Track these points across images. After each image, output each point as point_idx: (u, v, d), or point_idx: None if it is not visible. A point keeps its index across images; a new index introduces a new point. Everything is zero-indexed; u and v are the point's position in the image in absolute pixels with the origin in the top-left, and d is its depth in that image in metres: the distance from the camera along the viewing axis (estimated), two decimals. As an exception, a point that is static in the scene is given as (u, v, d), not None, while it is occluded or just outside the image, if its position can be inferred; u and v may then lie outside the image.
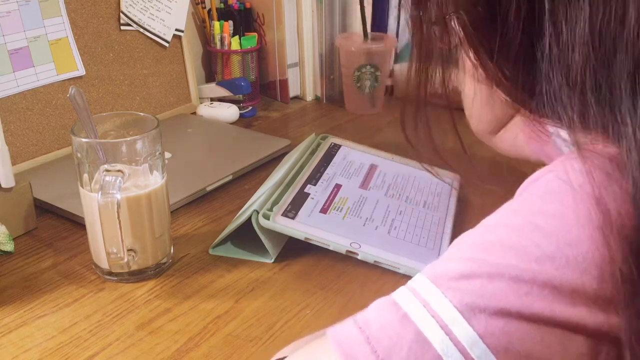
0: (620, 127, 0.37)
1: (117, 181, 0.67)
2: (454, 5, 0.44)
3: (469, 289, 0.36)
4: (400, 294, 0.39)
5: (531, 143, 0.54)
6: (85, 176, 0.71)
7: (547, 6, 0.39)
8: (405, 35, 1.43)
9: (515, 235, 0.38)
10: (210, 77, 1.33)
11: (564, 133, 0.41)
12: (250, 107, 1.26)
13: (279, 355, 0.53)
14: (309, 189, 0.85)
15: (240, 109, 1.23)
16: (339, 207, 0.83)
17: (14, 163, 0.83)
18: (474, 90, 0.53)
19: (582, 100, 0.38)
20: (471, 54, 0.45)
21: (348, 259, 0.75)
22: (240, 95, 1.25)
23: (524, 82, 0.42)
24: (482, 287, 0.36)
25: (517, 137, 0.57)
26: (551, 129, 0.45)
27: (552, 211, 0.37)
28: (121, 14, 1.11)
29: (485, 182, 0.66)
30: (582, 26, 0.38)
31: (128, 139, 0.70)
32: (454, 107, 0.52)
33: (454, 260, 0.39)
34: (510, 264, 0.36)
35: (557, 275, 0.36)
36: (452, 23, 0.45)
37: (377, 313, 0.39)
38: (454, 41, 0.46)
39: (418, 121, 0.52)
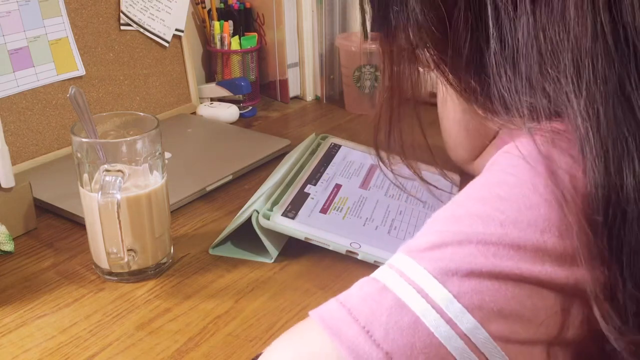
0: (567, 107, 0.40)
1: (117, 181, 0.67)
2: (418, 36, 0.48)
3: (441, 256, 0.39)
4: (379, 270, 0.42)
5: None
6: (85, 176, 0.71)
7: (490, 14, 0.43)
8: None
9: (481, 205, 0.41)
10: (210, 77, 1.33)
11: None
12: (250, 107, 1.26)
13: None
14: (309, 189, 0.85)
15: (240, 109, 1.23)
16: (339, 207, 0.83)
17: (14, 163, 0.83)
18: (451, 122, 0.59)
19: (531, 94, 0.42)
20: (435, 70, 0.49)
21: (348, 259, 0.75)
22: (240, 95, 1.25)
23: (481, 88, 0.46)
24: (453, 253, 0.39)
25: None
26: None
27: (511, 181, 0.41)
28: (121, 14, 1.11)
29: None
30: (525, 28, 0.42)
31: (128, 139, 0.70)
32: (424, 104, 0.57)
33: (425, 234, 0.42)
34: (477, 231, 0.39)
35: (520, 236, 0.38)
36: (419, 51, 0.50)
37: (357, 289, 0.42)
38: (421, 64, 0.51)
39: (391, 133, 0.58)
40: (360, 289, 0.41)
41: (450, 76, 0.48)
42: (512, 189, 0.41)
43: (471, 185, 0.44)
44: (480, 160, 0.66)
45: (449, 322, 0.37)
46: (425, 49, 0.49)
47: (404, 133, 0.58)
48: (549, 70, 0.41)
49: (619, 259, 0.37)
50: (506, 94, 0.43)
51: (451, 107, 0.60)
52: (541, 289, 0.38)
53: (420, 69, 0.52)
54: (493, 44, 0.43)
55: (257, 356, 0.47)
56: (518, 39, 0.42)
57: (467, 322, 0.37)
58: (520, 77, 0.42)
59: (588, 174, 0.38)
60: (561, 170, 0.39)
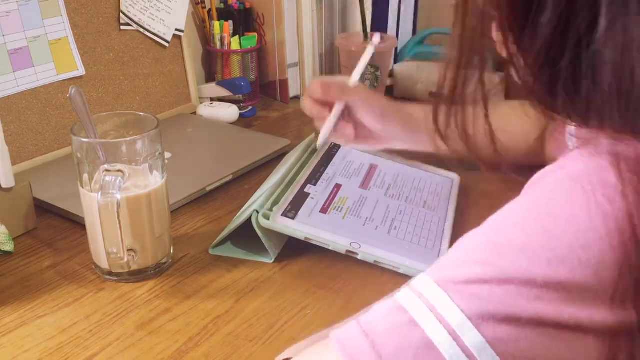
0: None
1: (117, 181, 0.67)
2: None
3: (477, 294, 0.36)
4: (406, 298, 0.38)
5: (557, 148, 0.54)
6: (85, 176, 0.71)
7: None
8: (406, 35, 1.43)
9: (525, 237, 0.37)
10: (210, 77, 1.33)
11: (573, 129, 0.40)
12: (250, 107, 1.26)
13: (281, 357, 0.53)
14: (309, 189, 0.85)
15: (240, 109, 1.23)
16: (339, 207, 0.83)
17: (14, 163, 0.83)
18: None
19: (617, 106, 0.37)
20: (501, 39, 0.42)
21: (348, 259, 0.75)
22: (240, 95, 1.25)
23: (549, 78, 0.40)
24: (491, 292, 0.36)
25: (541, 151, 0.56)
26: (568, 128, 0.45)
27: (563, 212, 0.37)
28: (121, 14, 1.11)
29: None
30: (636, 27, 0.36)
31: (128, 139, 0.70)
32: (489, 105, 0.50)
33: (460, 263, 0.38)
34: (520, 267, 0.36)
35: (569, 278, 0.35)
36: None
37: (382, 317, 0.38)
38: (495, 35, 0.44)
39: (451, 118, 0.50)
40: (385, 318, 0.38)
41: (517, 53, 0.41)
42: (563, 221, 0.36)
43: (516, 207, 0.40)
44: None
45: None
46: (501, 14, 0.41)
47: (467, 113, 0.50)
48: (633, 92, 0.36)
49: None
50: (601, 103, 0.38)
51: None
52: (581, 335, 0.36)
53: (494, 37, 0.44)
54: (597, 36, 0.37)
55: None
56: (630, 40, 0.36)
57: None
58: (609, 88, 0.37)
59: None
60: (627, 203, 0.35)
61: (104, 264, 0.72)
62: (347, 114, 0.83)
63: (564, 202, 0.37)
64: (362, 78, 0.88)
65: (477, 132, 0.50)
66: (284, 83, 1.33)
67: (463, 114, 0.49)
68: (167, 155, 0.95)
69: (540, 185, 0.40)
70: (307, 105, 0.84)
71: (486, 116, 0.49)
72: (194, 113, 1.23)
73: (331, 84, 0.82)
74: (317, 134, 1.03)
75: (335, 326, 0.52)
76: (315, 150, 0.96)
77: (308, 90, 0.85)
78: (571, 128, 0.44)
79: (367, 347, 0.37)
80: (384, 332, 0.37)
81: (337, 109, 0.82)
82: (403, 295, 0.39)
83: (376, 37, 0.88)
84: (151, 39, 1.17)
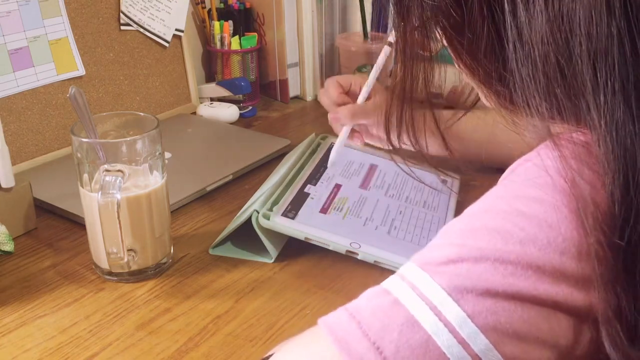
0: (588, 119, 0.38)
1: (117, 181, 0.67)
2: (433, 13, 0.45)
3: (456, 272, 0.38)
4: (390, 281, 0.41)
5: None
6: (85, 176, 0.71)
7: (506, 4, 0.40)
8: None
9: (500, 219, 0.39)
10: (210, 77, 1.33)
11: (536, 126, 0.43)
12: (250, 107, 1.26)
13: (270, 352, 0.53)
14: (309, 189, 0.85)
15: (240, 109, 1.23)
16: (339, 207, 0.83)
17: (14, 163, 0.83)
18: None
19: (549, 92, 0.40)
20: (452, 54, 0.47)
21: (348, 259, 0.75)
22: (240, 95, 1.25)
23: (498, 77, 0.43)
24: (469, 270, 0.38)
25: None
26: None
27: (532, 195, 0.39)
28: (121, 14, 1.11)
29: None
30: (540, 19, 0.39)
31: (128, 139, 0.70)
32: (442, 106, 0.55)
33: (440, 247, 0.41)
34: (495, 247, 0.38)
35: (539, 256, 0.37)
36: (432, 29, 0.47)
37: (367, 300, 0.40)
38: (434, 46, 0.48)
39: (402, 123, 0.55)
40: (371, 300, 0.40)
41: (468, 60, 0.45)
42: (533, 203, 0.39)
43: (490, 196, 0.42)
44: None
45: (462, 342, 0.37)
46: (441, 31, 0.46)
47: (417, 126, 0.55)
48: (567, 74, 0.38)
49: (635, 282, 0.36)
50: (523, 92, 0.41)
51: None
52: (557, 312, 0.37)
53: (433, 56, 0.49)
54: (510, 34, 0.40)
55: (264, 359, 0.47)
56: (534, 33, 0.39)
57: (480, 343, 0.36)
58: (538, 76, 0.40)
59: (607, 191, 0.37)
60: (583, 186, 0.38)
61: (104, 264, 0.72)
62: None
63: (532, 186, 0.40)
64: (379, 79, 0.90)
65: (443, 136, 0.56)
66: (284, 83, 1.33)
67: (413, 120, 0.54)
68: (167, 155, 0.95)
69: (512, 175, 0.42)
70: (324, 103, 0.95)
71: (433, 117, 0.54)
72: (194, 113, 1.23)
73: (345, 106, 0.90)
74: (317, 134, 1.03)
75: None
76: (315, 151, 0.96)
77: (326, 90, 0.94)
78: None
79: (355, 328, 0.39)
80: (370, 313, 0.39)
81: (346, 130, 0.89)
82: (388, 280, 0.41)
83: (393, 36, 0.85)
84: (151, 39, 1.17)
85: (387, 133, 0.58)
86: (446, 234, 0.42)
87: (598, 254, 0.36)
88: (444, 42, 0.47)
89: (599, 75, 0.37)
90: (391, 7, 0.50)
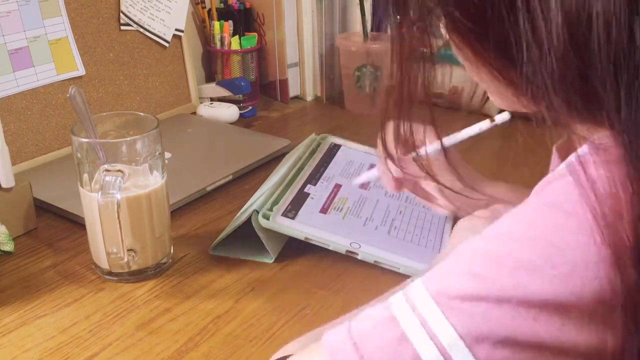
0: (607, 120, 0.34)
1: (117, 181, 0.67)
2: (441, 2, 0.41)
3: (472, 312, 0.34)
4: (399, 308, 0.37)
5: None
6: (85, 176, 0.71)
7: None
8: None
9: (528, 250, 0.35)
10: (210, 77, 1.33)
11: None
12: (250, 107, 1.26)
13: (278, 354, 0.53)
14: (309, 189, 0.85)
15: (240, 109, 1.23)
16: (339, 207, 0.83)
17: (14, 163, 0.83)
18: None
19: (567, 95, 0.36)
20: (457, 49, 0.43)
21: (348, 259, 0.75)
22: (240, 95, 1.25)
23: (512, 75, 0.39)
24: (487, 312, 0.34)
25: None
26: None
27: (571, 226, 0.34)
28: (121, 14, 1.11)
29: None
30: (556, 17, 0.35)
31: (128, 139, 0.70)
32: (446, 105, 0.51)
33: (458, 274, 0.37)
34: (519, 284, 0.34)
35: (569, 299, 0.33)
36: (434, 23, 0.43)
37: (373, 328, 0.37)
38: (435, 43, 0.44)
39: (400, 130, 0.50)
40: (376, 330, 0.37)
41: (476, 56, 0.41)
42: (571, 236, 0.34)
43: (520, 215, 0.37)
44: None
45: None
46: (449, 21, 0.41)
47: (415, 132, 0.50)
48: (585, 72, 0.35)
49: None
50: (540, 93, 0.37)
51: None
52: (577, 357, 0.34)
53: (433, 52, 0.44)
54: (522, 24, 0.36)
55: None
56: (550, 31, 0.35)
57: None
58: (555, 77, 0.36)
59: (632, 207, 0.33)
60: (611, 210, 0.33)
61: (104, 264, 0.72)
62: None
63: (570, 214, 0.35)
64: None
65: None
66: (284, 83, 1.33)
67: (410, 129, 0.49)
68: (167, 155, 0.95)
69: (546, 192, 0.37)
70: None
71: (436, 130, 0.50)
72: (194, 113, 1.23)
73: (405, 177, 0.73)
74: (317, 134, 1.03)
75: (331, 323, 0.52)
76: (315, 151, 0.96)
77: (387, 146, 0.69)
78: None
79: None
80: (375, 347, 0.36)
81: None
82: (396, 304, 0.38)
83: (503, 116, 0.66)
84: (151, 39, 1.17)
85: (383, 142, 0.54)
86: (466, 256, 0.37)
87: (619, 295, 0.33)
88: (449, 36, 0.42)
89: (619, 80, 0.33)
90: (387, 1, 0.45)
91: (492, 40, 0.39)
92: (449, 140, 0.67)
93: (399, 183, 0.73)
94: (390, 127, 0.52)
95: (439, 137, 0.52)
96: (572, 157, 0.37)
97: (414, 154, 0.54)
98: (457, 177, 0.60)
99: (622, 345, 0.33)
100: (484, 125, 0.65)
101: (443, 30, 0.43)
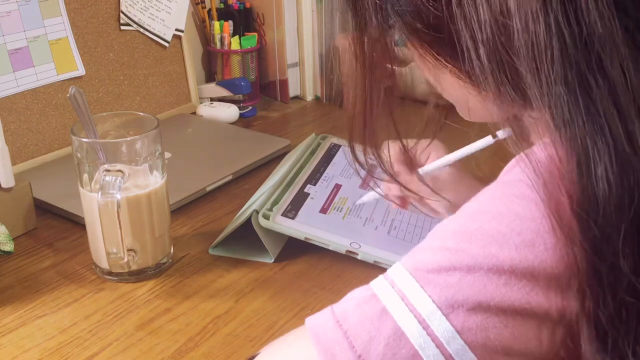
0: (537, 111, 0.37)
1: (117, 181, 0.67)
2: (392, 10, 0.44)
3: (447, 283, 0.36)
4: (379, 286, 0.39)
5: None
6: (85, 176, 0.71)
7: None
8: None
9: (496, 222, 0.37)
10: (210, 77, 1.33)
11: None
12: (250, 107, 1.26)
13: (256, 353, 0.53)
14: (308, 189, 0.85)
15: (240, 109, 1.23)
16: (339, 207, 0.83)
17: (14, 163, 0.83)
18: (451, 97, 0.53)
19: (501, 83, 0.38)
20: (418, 56, 0.46)
21: (348, 259, 0.75)
22: (240, 95, 1.25)
23: (459, 71, 0.42)
24: (461, 280, 0.36)
25: None
26: None
27: (529, 197, 0.37)
28: (121, 14, 1.11)
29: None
30: (482, 11, 0.38)
31: (128, 139, 0.70)
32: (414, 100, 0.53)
33: (432, 250, 0.39)
34: (489, 253, 0.36)
35: (535, 263, 0.36)
36: (391, 37, 0.46)
37: (355, 306, 0.39)
38: (395, 56, 0.48)
39: (364, 137, 0.52)
40: (359, 307, 0.39)
41: (433, 59, 0.44)
42: (530, 205, 0.37)
43: (485, 195, 0.40)
44: None
45: (449, 358, 0.36)
46: (407, 32, 0.44)
47: (379, 135, 0.53)
48: (511, 67, 0.37)
49: (601, 281, 0.35)
50: (482, 81, 0.40)
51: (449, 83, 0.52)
52: (546, 322, 0.36)
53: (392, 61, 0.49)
54: (458, 22, 0.39)
55: (251, 358, 0.47)
56: (480, 25, 0.38)
57: None
58: (490, 67, 0.39)
59: (566, 181, 0.35)
60: (558, 185, 0.36)
61: (104, 264, 0.72)
62: None
63: (528, 189, 0.37)
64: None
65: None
66: (284, 83, 1.33)
67: (374, 137, 0.52)
68: (167, 155, 0.95)
69: (511, 174, 0.40)
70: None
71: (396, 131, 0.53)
72: (194, 113, 1.23)
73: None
74: (317, 134, 1.03)
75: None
76: (315, 151, 0.96)
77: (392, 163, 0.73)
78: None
79: (341, 338, 0.38)
80: (357, 322, 0.38)
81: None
82: (377, 283, 0.40)
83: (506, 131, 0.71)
84: (151, 39, 1.17)
85: (352, 149, 0.57)
86: (439, 235, 0.40)
87: (570, 252, 0.35)
88: (412, 46, 0.45)
89: (539, 68, 0.36)
90: (349, 16, 0.48)
91: (446, 40, 0.41)
92: (452, 157, 0.69)
93: (404, 201, 0.76)
94: (392, 146, 0.55)
95: (399, 134, 0.55)
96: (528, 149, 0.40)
97: (418, 171, 0.57)
98: (453, 196, 0.64)
99: (578, 311, 0.35)
100: (485, 141, 0.66)
101: (403, 41, 0.45)
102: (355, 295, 0.40)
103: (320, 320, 0.40)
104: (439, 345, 0.36)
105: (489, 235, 0.37)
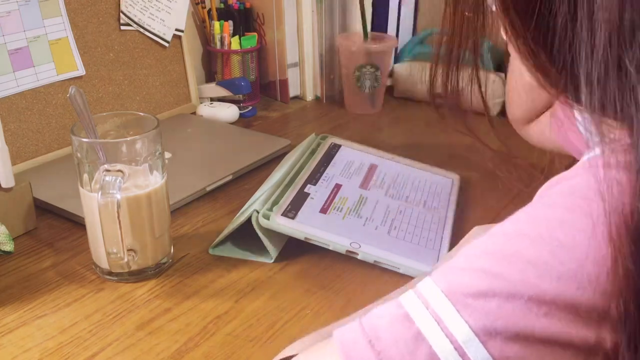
0: (632, 109, 0.34)
1: (117, 181, 0.67)
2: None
3: (485, 309, 0.35)
4: (412, 305, 0.37)
5: (558, 131, 0.53)
6: (85, 176, 0.71)
7: None
8: (406, 35, 1.43)
9: (535, 248, 0.36)
10: (210, 77, 1.33)
11: (585, 124, 0.38)
12: (250, 107, 1.26)
13: (282, 355, 0.53)
14: (308, 188, 0.85)
15: (240, 109, 1.23)
16: (339, 207, 0.83)
17: (14, 163, 0.83)
18: (515, 78, 0.51)
19: (605, 81, 0.36)
20: (503, 28, 0.42)
21: (348, 259, 0.75)
22: (240, 95, 1.25)
23: (551, 59, 0.39)
24: (500, 307, 0.35)
25: (546, 127, 0.56)
26: (577, 116, 0.43)
27: (577, 224, 0.35)
28: (121, 14, 1.11)
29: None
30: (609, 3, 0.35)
31: (128, 139, 0.70)
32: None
33: (469, 272, 0.37)
34: (529, 281, 0.35)
35: (577, 295, 0.34)
36: (488, 7, 0.44)
37: (388, 325, 0.37)
38: (487, 22, 0.45)
39: (448, 80, 0.52)
40: (392, 326, 0.37)
41: (521, 40, 0.41)
42: (577, 233, 0.35)
43: (526, 215, 0.38)
44: (535, 126, 0.60)
45: None
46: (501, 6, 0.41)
47: (460, 81, 0.52)
48: (627, 64, 0.34)
49: None
50: (578, 77, 0.37)
51: (517, 65, 0.50)
52: (585, 352, 0.35)
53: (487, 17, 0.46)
54: (563, 12, 0.36)
55: None
56: (593, 13, 0.35)
57: None
58: (594, 64, 0.35)
59: (632, 209, 0.33)
60: (621, 212, 0.34)
61: (104, 264, 0.72)
62: None
63: (578, 211, 0.35)
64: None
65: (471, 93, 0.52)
66: (284, 83, 1.33)
67: (457, 74, 0.51)
68: (167, 155, 0.95)
69: (553, 192, 0.38)
70: None
71: (478, 82, 0.51)
72: (194, 113, 1.23)
73: None
74: (317, 134, 1.03)
75: (339, 322, 0.52)
76: (315, 151, 0.96)
77: None
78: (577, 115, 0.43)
79: (373, 358, 0.36)
80: (391, 344, 0.36)
81: None
82: (409, 300, 0.38)
83: None
84: (151, 39, 1.17)
85: (431, 93, 0.55)
86: (475, 254, 0.38)
87: (617, 288, 0.33)
88: (502, 23, 0.42)
89: None
90: None
91: (546, 31, 0.39)
92: None
93: None
94: (438, 73, 0.53)
95: (481, 92, 0.53)
96: (584, 158, 0.37)
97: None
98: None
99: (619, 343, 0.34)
100: None
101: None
102: (386, 313, 0.38)
103: (350, 336, 0.38)
104: None
105: (529, 261, 0.35)
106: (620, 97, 0.35)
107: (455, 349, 0.35)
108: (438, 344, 0.35)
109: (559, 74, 0.39)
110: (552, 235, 0.35)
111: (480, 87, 0.52)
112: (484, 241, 0.38)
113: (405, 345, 0.36)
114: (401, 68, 1.33)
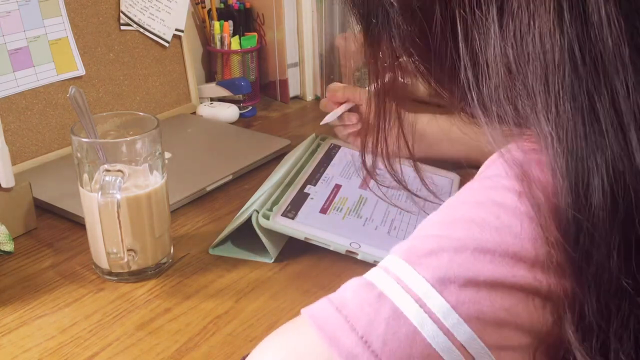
0: (536, 125, 0.39)
1: (117, 181, 0.67)
2: (403, 47, 0.48)
3: (438, 263, 0.39)
4: (374, 274, 0.41)
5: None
6: (85, 176, 0.71)
7: (460, 27, 0.42)
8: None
9: (476, 209, 0.40)
10: (210, 77, 1.33)
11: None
12: (250, 107, 1.26)
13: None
14: (308, 189, 0.85)
15: (240, 109, 1.23)
16: (338, 207, 0.83)
17: (14, 163, 0.83)
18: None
19: (503, 104, 0.41)
20: (420, 78, 0.50)
21: (348, 259, 0.75)
22: (240, 95, 1.25)
23: (460, 96, 0.45)
24: (450, 260, 0.39)
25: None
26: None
27: (506, 186, 0.40)
28: (121, 14, 1.11)
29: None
30: (494, 42, 0.40)
31: (128, 139, 0.70)
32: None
33: (421, 239, 0.42)
34: (472, 236, 0.39)
35: (515, 243, 0.38)
36: (403, 60, 0.50)
37: (352, 293, 0.41)
38: (405, 73, 0.51)
39: (378, 150, 0.57)
40: (356, 293, 0.41)
41: (434, 84, 0.48)
42: (507, 192, 0.40)
43: (465, 189, 0.44)
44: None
45: (447, 333, 0.37)
46: (410, 58, 0.48)
47: (390, 138, 0.58)
48: (518, 86, 0.40)
49: (586, 278, 0.37)
50: (479, 107, 0.43)
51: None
52: (534, 297, 0.38)
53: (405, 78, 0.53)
54: (464, 58, 0.42)
55: (246, 356, 0.47)
56: (488, 53, 0.41)
57: (464, 333, 0.37)
58: (490, 93, 0.42)
59: (557, 193, 0.38)
60: (537, 185, 0.39)
61: (104, 264, 0.72)
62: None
63: (505, 178, 0.41)
64: (362, 78, 0.91)
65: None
66: (284, 83, 1.33)
67: (387, 147, 0.57)
68: (167, 155, 0.95)
69: (489, 168, 0.43)
70: (327, 106, 0.98)
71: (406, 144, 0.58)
72: (194, 113, 1.23)
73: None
74: (317, 134, 1.03)
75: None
76: (315, 151, 0.96)
77: (330, 94, 0.98)
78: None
79: (342, 322, 0.39)
80: (356, 307, 0.40)
81: (345, 106, 0.95)
82: (371, 272, 0.42)
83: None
84: (151, 39, 1.17)
85: (363, 159, 0.61)
86: (425, 227, 0.43)
87: (554, 246, 0.38)
88: (414, 71, 0.49)
89: (550, 87, 0.38)
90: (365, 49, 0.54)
91: (445, 74, 0.46)
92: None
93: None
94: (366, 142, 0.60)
95: (408, 146, 0.60)
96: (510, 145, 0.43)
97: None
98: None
99: (564, 291, 0.38)
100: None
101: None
102: (350, 285, 0.42)
103: (318, 309, 0.41)
104: (436, 321, 0.38)
105: (471, 220, 0.40)
106: (520, 122, 0.41)
107: (416, 301, 0.38)
108: (399, 300, 0.39)
109: (459, 103, 0.45)
110: (488, 197, 0.41)
111: (407, 143, 0.59)
112: (433, 215, 0.43)
113: (369, 306, 0.39)
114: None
